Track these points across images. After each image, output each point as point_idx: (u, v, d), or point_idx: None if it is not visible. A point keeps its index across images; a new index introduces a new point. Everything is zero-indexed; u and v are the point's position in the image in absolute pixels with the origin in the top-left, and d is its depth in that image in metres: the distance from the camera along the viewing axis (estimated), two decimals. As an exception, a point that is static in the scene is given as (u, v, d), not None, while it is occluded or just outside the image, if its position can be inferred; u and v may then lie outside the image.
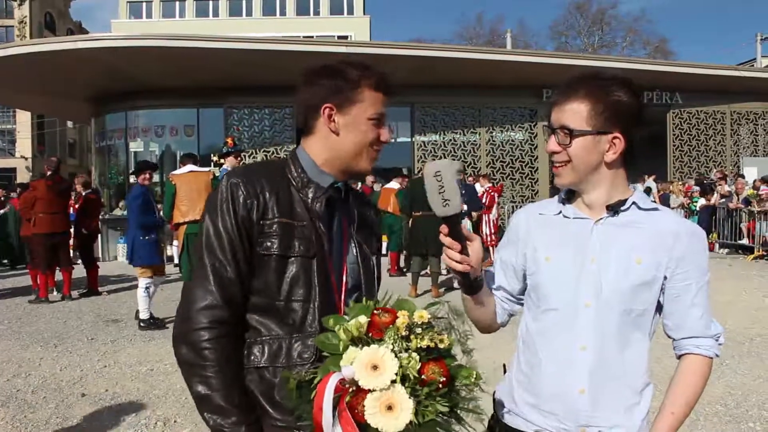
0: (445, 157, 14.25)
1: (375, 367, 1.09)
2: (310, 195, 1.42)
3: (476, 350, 1.24)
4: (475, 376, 1.19)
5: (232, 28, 34.43)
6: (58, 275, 8.41)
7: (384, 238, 12.12)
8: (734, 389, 4.48)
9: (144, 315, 6.57)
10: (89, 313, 7.45)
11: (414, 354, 1.12)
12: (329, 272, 1.40)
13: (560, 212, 1.45)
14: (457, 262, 1.32)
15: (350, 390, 1.11)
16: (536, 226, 1.48)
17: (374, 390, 1.09)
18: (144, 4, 41.07)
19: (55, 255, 8.18)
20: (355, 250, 1.49)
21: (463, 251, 1.32)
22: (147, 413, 4.08)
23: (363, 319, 1.16)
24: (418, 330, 1.14)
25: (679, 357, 1.44)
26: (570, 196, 1.45)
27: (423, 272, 8.34)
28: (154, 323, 6.57)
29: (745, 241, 12.20)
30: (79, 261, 9.14)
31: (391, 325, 1.14)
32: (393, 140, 14.84)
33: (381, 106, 1.45)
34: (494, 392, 1.55)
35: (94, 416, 4.07)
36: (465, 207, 9.13)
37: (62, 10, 44.42)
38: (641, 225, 1.38)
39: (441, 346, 1.14)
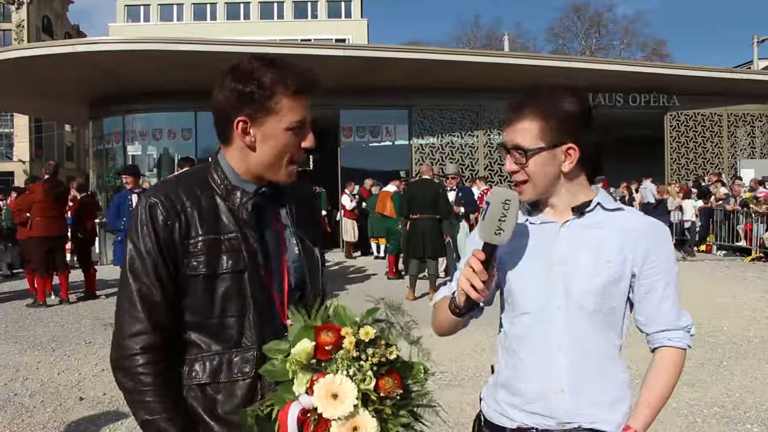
0: (443, 160, 14.30)
1: (335, 396, 1.09)
2: (236, 202, 1.37)
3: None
4: (423, 370, 1.19)
5: (229, 31, 34.47)
6: (56, 279, 8.40)
7: (382, 241, 12.14)
8: (732, 391, 4.49)
9: None
10: (87, 316, 7.43)
11: (369, 373, 1.11)
12: (265, 281, 1.37)
13: (527, 219, 1.47)
14: (475, 289, 1.31)
15: (312, 418, 1.11)
16: None
17: (338, 419, 1.09)
18: (141, 7, 41.15)
19: (53, 259, 8.17)
20: (296, 248, 1.45)
21: (487, 283, 1.32)
22: (145, 417, 4.09)
23: (309, 345, 1.14)
24: (369, 350, 1.13)
25: (653, 351, 1.46)
26: (534, 204, 1.48)
27: (420, 275, 8.34)
28: None
29: (742, 243, 12.24)
30: (77, 264, 9.13)
31: (339, 346, 1.13)
32: (392, 143, 14.96)
33: (301, 112, 1.34)
34: (480, 393, 1.59)
35: (92, 420, 4.06)
36: (462, 210, 9.08)
37: (60, 13, 44.42)
38: (607, 225, 1.41)
39: (391, 357, 1.14)
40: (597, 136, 1.43)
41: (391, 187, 11.04)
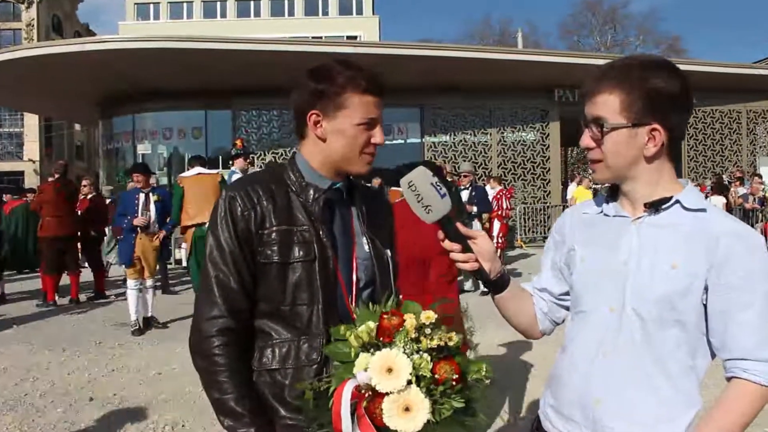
0: (455, 158, 14.19)
1: (390, 370, 1.13)
2: (310, 198, 1.45)
3: (491, 353, 1.21)
4: (484, 369, 1.22)
5: (240, 29, 34.53)
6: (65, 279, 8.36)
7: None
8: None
9: (131, 317, 6.49)
10: (97, 316, 7.42)
11: (425, 354, 1.15)
12: (332, 273, 1.43)
13: (602, 210, 1.37)
14: (462, 262, 1.31)
15: (367, 395, 1.14)
16: (578, 224, 1.42)
17: (391, 393, 1.12)
18: (151, 5, 41.34)
19: (63, 258, 8.12)
20: (367, 246, 1.51)
21: (466, 250, 1.31)
22: (155, 417, 4.07)
23: (372, 324, 1.20)
24: (427, 331, 1.18)
25: (728, 381, 1.28)
26: (613, 192, 1.37)
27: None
28: (147, 326, 6.57)
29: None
30: (86, 264, 9.10)
31: (400, 328, 1.17)
32: (404, 141, 14.87)
33: (371, 110, 1.44)
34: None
35: (102, 420, 4.05)
36: (474, 209, 8.98)
37: (69, 12, 44.64)
38: (683, 227, 1.25)
39: (450, 344, 1.17)
40: (687, 122, 1.29)
41: (402, 186, 10.93)
